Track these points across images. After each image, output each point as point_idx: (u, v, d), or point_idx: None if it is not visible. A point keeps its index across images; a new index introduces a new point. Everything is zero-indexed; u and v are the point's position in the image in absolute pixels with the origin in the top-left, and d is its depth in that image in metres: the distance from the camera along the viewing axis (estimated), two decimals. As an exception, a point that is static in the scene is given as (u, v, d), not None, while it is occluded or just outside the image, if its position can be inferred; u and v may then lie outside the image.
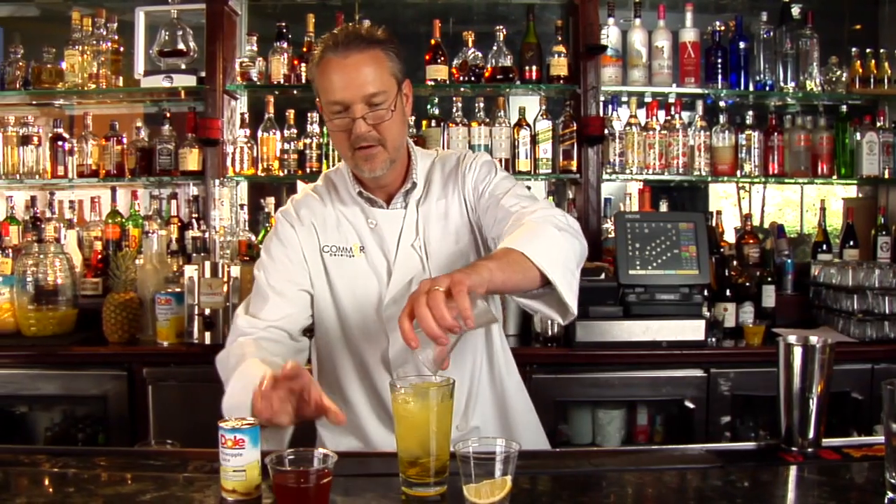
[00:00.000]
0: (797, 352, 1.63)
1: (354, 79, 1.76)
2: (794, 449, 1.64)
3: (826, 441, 1.67)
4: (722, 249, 3.63)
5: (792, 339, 1.65)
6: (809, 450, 1.63)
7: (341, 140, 1.84)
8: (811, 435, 1.64)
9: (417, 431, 1.38)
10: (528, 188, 2.09)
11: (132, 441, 2.86)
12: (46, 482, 1.49)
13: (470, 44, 3.75)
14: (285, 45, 3.74)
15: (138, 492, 1.39)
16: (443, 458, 1.39)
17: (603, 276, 3.25)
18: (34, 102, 4.01)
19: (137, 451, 1.73)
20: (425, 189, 2.00)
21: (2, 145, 3.84)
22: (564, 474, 1.56)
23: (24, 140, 3.81)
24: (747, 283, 3.48)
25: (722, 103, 3.83)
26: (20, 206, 3.92)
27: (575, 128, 3.73)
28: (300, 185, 3.38)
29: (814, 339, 1.64)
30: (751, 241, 3.71)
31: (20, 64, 3.79)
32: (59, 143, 3.82)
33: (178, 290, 3.21)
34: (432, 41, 3.73)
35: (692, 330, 3.13)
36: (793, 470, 1.57)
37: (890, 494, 1.36)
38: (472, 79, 3.74)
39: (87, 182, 3.87)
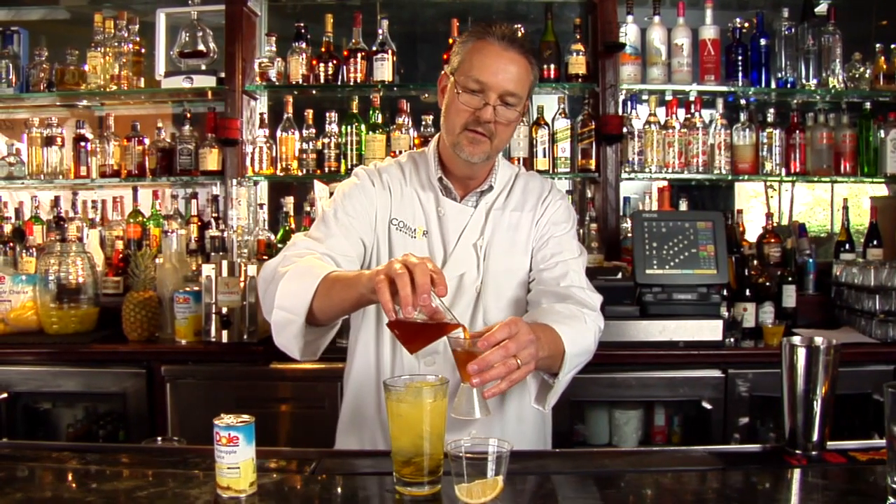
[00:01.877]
0: (801, 353, 1.61)
1: (506, 70, 1.85)
2: (798, 451, 1.63)
3: (831, 444, 1.65)
4: (742, 249, 3.58)
5: (796, 340, 1.63)
6: (814, 452, 1.61)
7: (460, 115, 1.90)
8: (815, 437, 1.62)
9: (411, 431, 1.38)
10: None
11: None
12: (46, 477, 1.51)
13: (488, 42, 3.73)
14: (304, 45, 3.77)
15: (136, 487, 1.41)
16: (437, 458, 1.39)
17: (620, 275, 3.23)
18: (58, 104, 4.08)
19: (143, 448, 1.75)
20: (502, 196, 2.07)
21: (27, 146, 3.92)
22: (564, 475, 1.56)
23: (48, 141, 3.87)
24: (767, 283, 3.44)
25: (743, 101, 3.79)
26: (45, 205, 3.97)
27: (593, 126, 3.71)
28: (317, 184, 3.39)
29: (818, 341, 1.62)
30: (772, 241, 3.67)
31: (44, 66, 3.86)
32: (82, 143, 3.88)
33: (196, 288, 3.24)
34: (450, 40, 3.72)
35: (710, 330, 3.10)
36: (796, 473, 1.55)
37: (891, 500, 1.34)
38: (491, 77, 3.73)
39: (109, 182, 3.93)
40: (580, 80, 3.74)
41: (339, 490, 1.42)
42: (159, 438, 1.84)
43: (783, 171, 3.77)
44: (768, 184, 4.22)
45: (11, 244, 3.71)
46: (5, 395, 3.11)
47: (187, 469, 1.52)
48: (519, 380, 1.50)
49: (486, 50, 1.86)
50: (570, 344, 1.72)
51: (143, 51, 3.88)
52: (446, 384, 1.43)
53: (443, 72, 1.98)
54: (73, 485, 1.45)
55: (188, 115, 3.86)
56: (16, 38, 3.92)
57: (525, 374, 1.51)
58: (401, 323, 1.44)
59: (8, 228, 3.84)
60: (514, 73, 1.85)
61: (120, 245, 3.68)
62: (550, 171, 3.75)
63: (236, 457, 1.35)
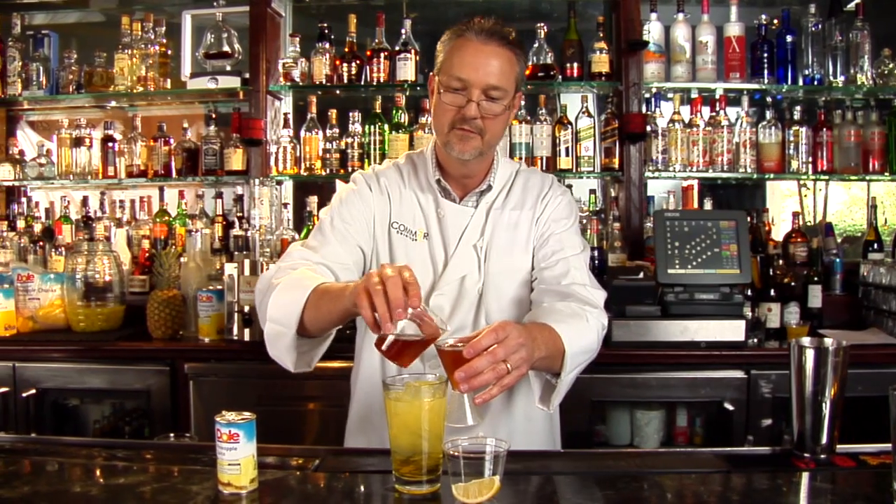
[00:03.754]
0: (809, 354, 1.59)
1: (486, 65, 1.84)
2: (806, 455, 1.60)
3: (842, 447, 1.62)
4: (768, 248, 3.54)
5: (805, 341, 1.61)
6: (822, 456, 1.59)
7: (446, 114, 1.89)
8: (824, 440, 1.59)
9: (410, 430, 1.39)
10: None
11: (173, 435, 2.93)
12: (53, 471, 1.54)
13: (511, 41, 3.73)
14: (327, 45, 3.79)
15: (140, 483, 1.44)
16: (435, 456, 1.40)
17: (642, 274, 3.21)
18: (92, 105, 4.15)
19: (152, 444, 1.78)
20: (501, 195, 2.05)
21: (56, 146, 4.00)
22: (565, 476, 1.55)
23: (77, 142, 3.94)
24: (793, 283, 3.39)
25: (769, 99, 3.74)
26: (75, 205, 4.04)
27: (617, 125, 3.69)
28: (339, 184, 3.41)
29: (827, 342, 1.60)
30: (798, 240, 3.62)
31: (73, 68, 3.93)
32: (110, 144, 3.94)
33: (219, 287, 3.28)
34: (473, 39, 3.71)
35: (732, 330, 3.06)
36: (803, 476, 1.53)
37: (897, 505, 1.32)
38: (513, 76, 3.72)
39: (137, 182, 3.99)
40: (603, 78, 3.72)
41: (340, 487, 1.43)
42: (171, 435, 1.86)
43: (810, 169, 3.72)
44: (802, 182, 4.15)
45: (41, 243, 3.78)
46: (34, 391, 3.16)
47: (193, 465, 1.54)
48: (511, 384, 1.49)
49: (466, 46, 1.85)
50: (570, 343, 1.70)
51: (169, 52, 3.94)
52: (445, 383, 1.43)
53: (430, 73, 1.97)
54: (79, 479, 1.48)
55: (213, 116, 3.90)
56: (46, 41, 3.99)
57: (517, 378, 1.50)
58: (385, 341, 1.45)
59: (38, 228, 3.91)
60: (495, 66, 1.83)
61: (146, 244, 3.72)
62: (574, 170, 3.73)
63: (237, 453, 1.37)
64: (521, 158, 3.61)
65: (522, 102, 3.66)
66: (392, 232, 2.01)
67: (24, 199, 4.14)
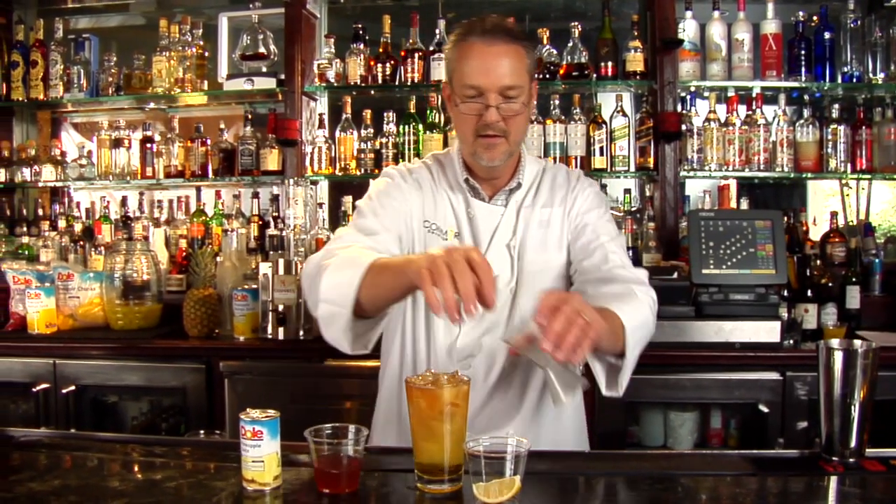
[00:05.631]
0: (838, 356, 1.56)
1: (496, 67, 1.81)
2: (834, 458, 1.58)
3: (871, 451, 1.60)
4: (805, 248, 3.49)
5: (833, 342, 1.59)
6: (851, 459, 1.57)
7: (466, 123, 1.87)
8: (853, 444, 1.57)
9: (432, 428, 1.39)
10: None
11: (209, 432, 2.97)
12: (85, 466, 1.58)
13: (545, 41, 3.73)
14: (362, 45, 3.81)
15: (167, 478, 1.46)
16: (457, 455, 1.40)
17: (676, 275, 3.18)
18: (126, 107, 4.22)
19: (182, 441, 1.81)
20: (530, 192, 2.03)
21: (97, 148, 4.07)
22: (589, 477, 1.55)
23: (116, 143, 4.01)
24: (830, 284, 3.34)
25: (806, 97, 3.69)
26: (115, 205, 4.11)
27: (652, 124, 3.66)
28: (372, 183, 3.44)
29: (857, 344, 1.57)
30: (836, 240, 3.57)
31: (113, 71, 4.00)
32: (148, 145, 4.01)
33: (254, 286, 3.31)
34: (506, 39, 3.71)
35: (767, 331, 3.02)
36: (831, 480, 1.50)
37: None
38: (547, 76, 3.72)
39: (175, 182, 4.05)
40: (638, 77, 3.69)
41: (363, 485, 1.43)
42: (202, 432, 1.89)
43: (848, 168, 3.66)
44: (844, 182, 4.08)
45: (81, 243, 3.86)
46: (73, 387, 3.23)
47: (222, 462, 1.56)
48: (596, 338, 1.44)
49: (472, 52, 1.82)
50: (628, 318, 1.65)
51: (206, 54, 3.99)
52: (468, 383, 1.43)
53: (443, 80, 1.95)
54: (110, 473, 1.51)
55: (250, 117, 3.95)
56: (87, 44, 4.08)
57: (598, 332, 1.45)
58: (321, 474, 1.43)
59: (78, 227, 3.99)
60: (506, 66, 1.80)
61: (183, 244, 3.78)
62: (608, 170, 3.71)
63: (261, 450, 1.38)
64: (555, 158, 3.61)
65: (557, 102, 3.70)
66: (424, 231, 1.98)
67: (65, 200, 4.23)
